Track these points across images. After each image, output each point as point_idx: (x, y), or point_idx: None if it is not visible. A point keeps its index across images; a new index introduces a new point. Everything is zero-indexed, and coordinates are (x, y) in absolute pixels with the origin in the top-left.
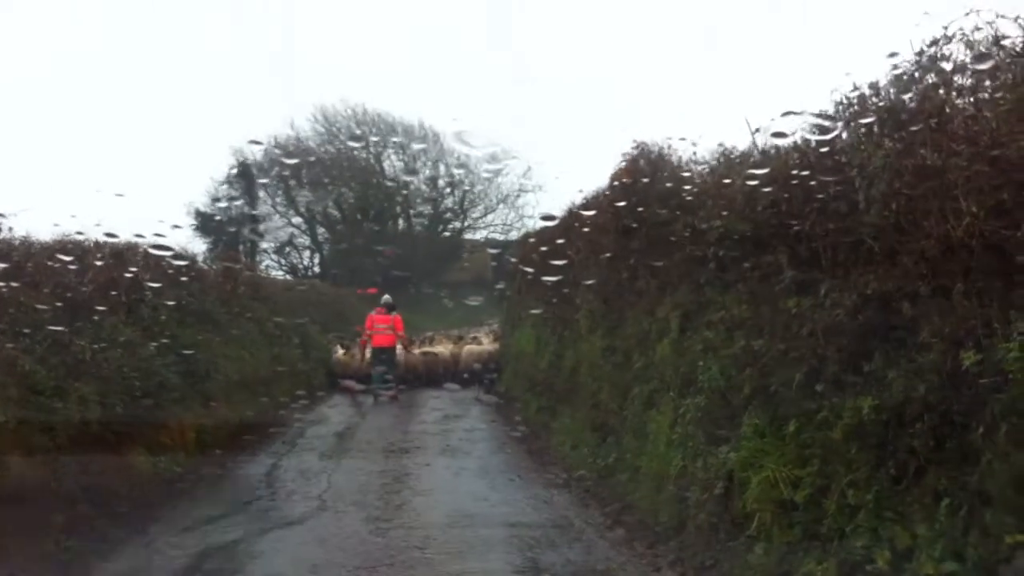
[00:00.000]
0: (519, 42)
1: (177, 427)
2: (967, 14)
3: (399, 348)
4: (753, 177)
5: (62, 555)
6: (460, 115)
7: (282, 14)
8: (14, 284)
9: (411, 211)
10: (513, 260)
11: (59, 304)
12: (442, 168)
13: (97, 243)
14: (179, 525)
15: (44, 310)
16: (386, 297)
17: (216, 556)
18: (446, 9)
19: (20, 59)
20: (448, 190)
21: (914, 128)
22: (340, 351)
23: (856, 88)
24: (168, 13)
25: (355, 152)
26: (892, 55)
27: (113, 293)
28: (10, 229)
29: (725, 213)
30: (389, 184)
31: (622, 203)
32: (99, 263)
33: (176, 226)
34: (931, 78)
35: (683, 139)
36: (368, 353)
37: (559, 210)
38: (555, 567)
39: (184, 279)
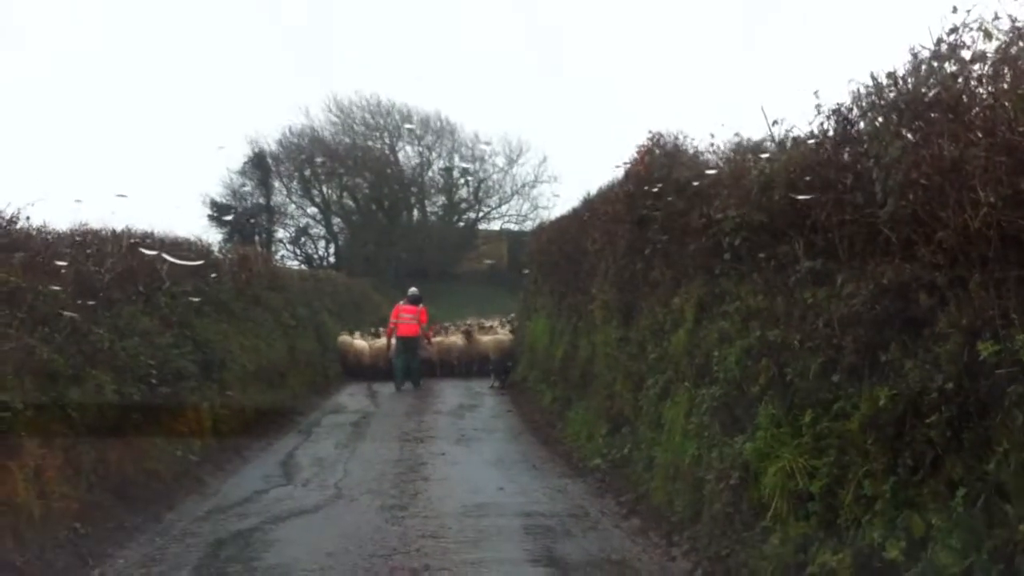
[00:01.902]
0: (535, 36)
1: (194, 415)
2: None
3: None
4: (769, 166)
5: (78, 542)
6: (482, 105)
7: (300, 4)
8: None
9: (425, 201)
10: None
11: (78, 294)
12: (457, 159)
13: (115, 233)
14: (195, 513)
15: (62, 299)
16: (413, 289)
17: (232, 544)
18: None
19: (36, 51)
20: (462, 180)
21: (933, 115)
22: (354, 336)
23: (874, 78)
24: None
25: (370, 143)
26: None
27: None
28: (27, 219)
29: (740, 203)
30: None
31: (637, 193)
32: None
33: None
34: (949, 67)
35: (698, 131)
36: (393, 342)
37: (575, 200)
38: (570, 556)
39: (200, 269)
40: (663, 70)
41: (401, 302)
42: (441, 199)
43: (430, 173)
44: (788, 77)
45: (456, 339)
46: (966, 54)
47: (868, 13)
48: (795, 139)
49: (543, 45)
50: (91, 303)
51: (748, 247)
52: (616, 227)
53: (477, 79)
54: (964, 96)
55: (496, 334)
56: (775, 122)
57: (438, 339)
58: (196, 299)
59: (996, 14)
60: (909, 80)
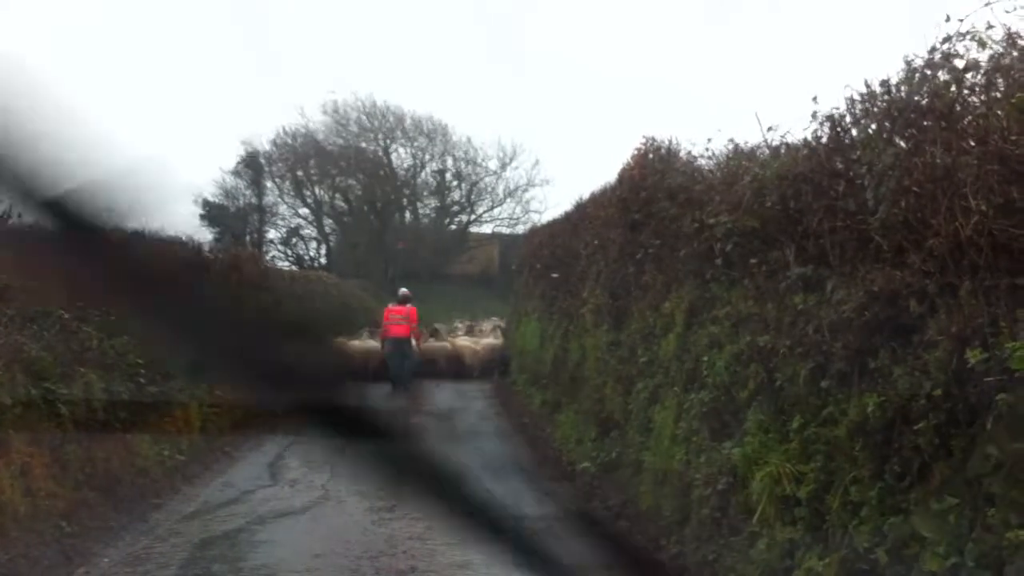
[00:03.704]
0: (530, 38)
1: (182, 414)
2: (987, 4)
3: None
4: (762, 172)
5: (64, 540)
6: (472, 110)
7: (294, 5)
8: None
9: (418, 204)
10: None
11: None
12: (449, 161)
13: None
14: (182, 512)
15: (52, 298)
16: (403, 290)
17: (218, 544)
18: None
19: (29, 48)
20: (455, 183)
21: (925, 123)
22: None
23: (868, 85)
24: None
25: (363, 144)
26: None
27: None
28: (19, 215)
29: (732, 209)
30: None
31: (630, 198)
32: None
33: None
34: (942, 76)
35: (695, 136)
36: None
37: (567, 204)
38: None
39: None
40: (662, 74)
41: (391, 304)
42: (433, 201)
43: (423, 175)
44: (788, 83)
45: (444, 343)
46: (959, 63)
47: (868, 21)
48: (788, 145)
49: (541, 48)
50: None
51: (739, 253)
52: (608, 231)
53: (472, 80)
54: (957, 104)
55: (487, 338)
56: (770, 128)
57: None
58: None
59: (989, 23)
60: (902, 88)
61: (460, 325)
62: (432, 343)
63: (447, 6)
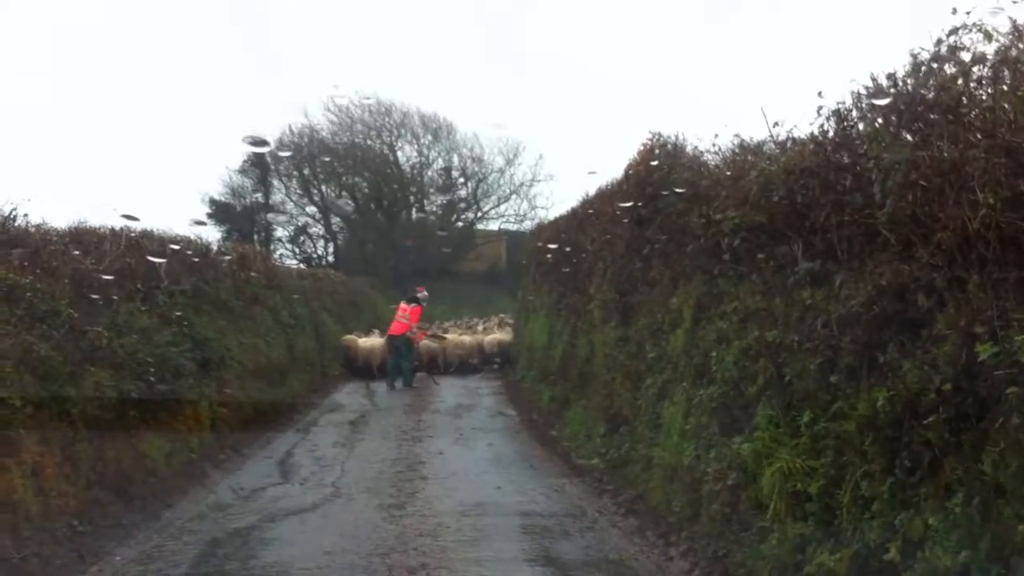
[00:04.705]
0: (530, 38)
1: (192, 413)
2: None
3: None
4: (768, 167)
5: (76, 539)
6: (473, 110)
7: (294, 5)
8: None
9: (424, 201)
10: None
11: (76, 291)
12: (455, 158)
13: (113, 231)
14: (193, 511)
15: (60, 297)
16: (422, 292)
17: (230, 542)
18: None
19: (31, 48)
20: (461, 180)
21: (932, 117)
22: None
23: (874, 79)
24: (185, 3)
25: (369, 142)
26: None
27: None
28: (25, 215)
29: (740, 204)
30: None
31: (637, 193)
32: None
33: (200, 221)
34: (949, 69)
35: (702, 131)
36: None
37: (572, 201)
38: (567, 556)
39: (199, 267)
40: (662, 74)
41: (403, 301)
42: (440, 198)
43: (429, 173)
44: (787, 83)
45: (440, 341)
46: (966, 56)
47: (867, 20)
48: (794, 140)
49: (541, 48)
50: (93, 298)
51: (747, 248)
52: (615, 227)
53: (472, 81)
54: (964, 98)
55: (493, 333)
56: (776, 123)
57: (429, 336)
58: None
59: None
60: (909, 81)
61: (460, 322)
62: (425, 342)
63: (447, 6)
